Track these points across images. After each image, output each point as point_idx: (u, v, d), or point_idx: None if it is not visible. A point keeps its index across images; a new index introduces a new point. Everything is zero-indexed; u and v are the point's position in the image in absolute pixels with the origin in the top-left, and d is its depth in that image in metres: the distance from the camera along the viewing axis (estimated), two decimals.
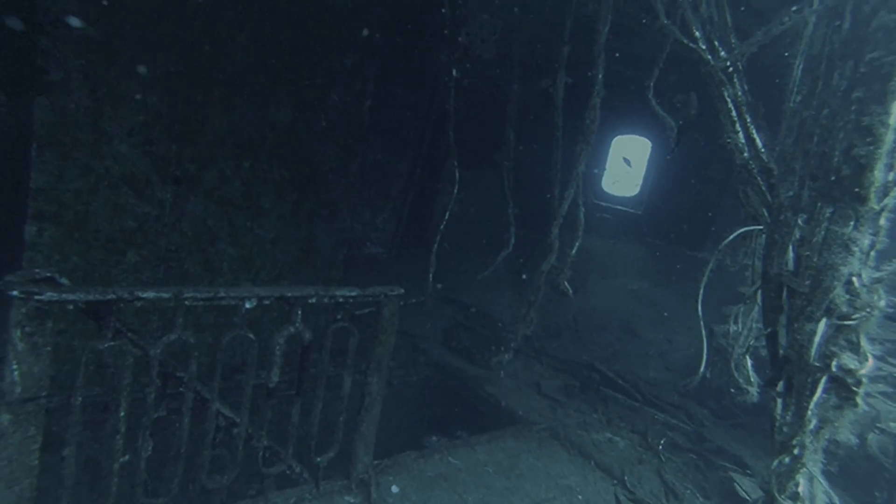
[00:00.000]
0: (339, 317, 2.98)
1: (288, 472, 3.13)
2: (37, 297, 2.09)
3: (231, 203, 4.24)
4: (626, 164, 6.85)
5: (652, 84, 2.60)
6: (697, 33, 2.04)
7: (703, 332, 2.68)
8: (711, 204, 6.02)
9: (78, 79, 3.41)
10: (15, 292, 2.06)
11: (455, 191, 4.36)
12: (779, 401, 1.84)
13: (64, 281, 2.50)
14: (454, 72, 3.87)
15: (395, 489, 3.35)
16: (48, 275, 2.43)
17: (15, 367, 2.14)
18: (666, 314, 6.38)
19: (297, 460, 3.11)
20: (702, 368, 2.69)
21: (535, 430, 4.43)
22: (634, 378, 5.40)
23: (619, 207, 7.46)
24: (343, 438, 3.14)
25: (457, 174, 4.31)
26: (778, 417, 1.82)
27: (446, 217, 4.49)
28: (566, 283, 3.46)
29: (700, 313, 2.67)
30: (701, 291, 2.61)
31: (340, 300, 2.92)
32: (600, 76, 2.75)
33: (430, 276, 4.60)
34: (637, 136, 7.16)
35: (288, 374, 3.15)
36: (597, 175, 7.39)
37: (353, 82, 4.48)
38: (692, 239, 6.30)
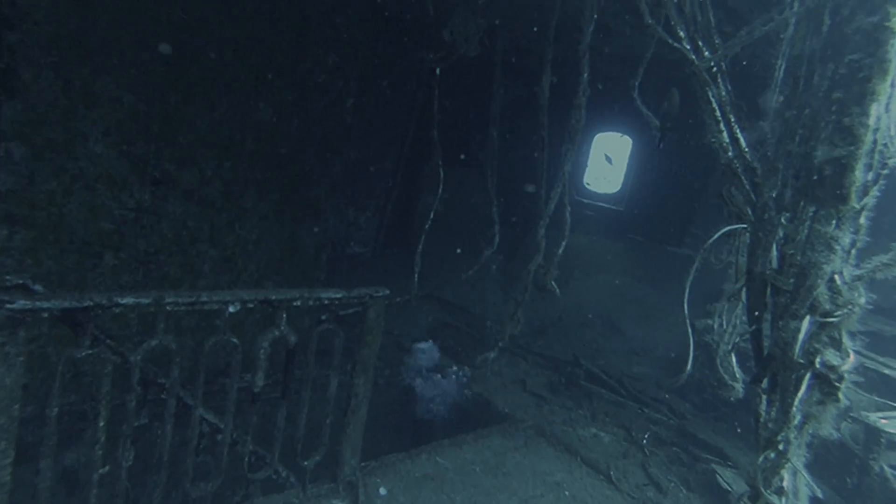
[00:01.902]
0: (323, 318, 2.94)
1: (274, 476, 3.08)
2: (8, 306, 2.01)
3: (212, 204, 4.15)
4: (608, 162, 6.91)
5: (637, 83, 2.61)
6: (682, 33, 2.05)
7: (690, 331, 2.71)
8: (691, 201, 6.11)
9: (49, 77, 3.29)
10: None
11: (440, 190, 4.34)
12: (763, 397, 1.87)
13: (38, 288, 2.41)
14: (437, 70, 3.84)
15: (382, 491, 3.33)
16: (20, 282, 2.34)
17: None
18: (648, 310, 6.46)
19: (283, 464, 3.07)
20: (688, 367, 2.73)
21: (522, 427, 4.45)
22: (618, 373, 5.46)
23: (601, 204, 7.52)
24: (329, 441, 3.11)
25: (441, 173, 4.28)
26: (762, 414, 1.85)
27: (431, 216, 4.47)
28: (553, 283, 3.47)
29: (686, 312, 2.71)
30: (687, 290, 2.64)
31: (326, 302, 2.88)
32: (585, 76, 2.74)
33: (416, 276, 4.58)
34: (619, 133, 7.24)
35: (272, 377, 3.10)
36: (579, 172, 7.44)
37: (336, 80, 4.43)
38: (673, 235, 6.40)
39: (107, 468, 2.44)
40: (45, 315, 2.13)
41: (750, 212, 1.96)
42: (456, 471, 3.69)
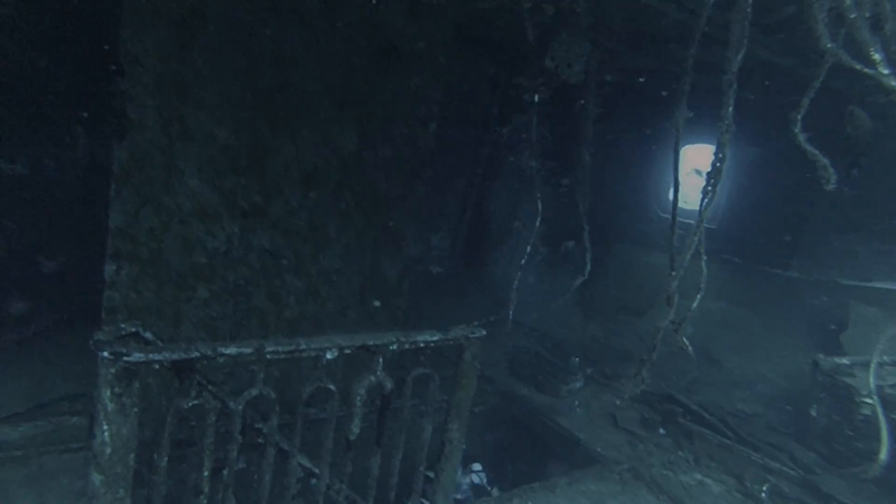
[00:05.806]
0: (417, 354, 2.79)
1: None
2: (125, 359, 2.01)
3: (297, 234, 4.16)
4: (698, 176, 6.40)
5: (800, 117, 2.24)
6: (877, 56, 1.67)
7: (880, 411, 2.29)
8: (801, 220, 5.51)
9: (152, 117, 3.39)
10: (105, 353, 1.99)
11: (538, 222, 4.12)
12: None
13: (148, 335, 2.43)
14: (536, 98, 3.64)
15: None
16: (133, 330, 2.36)
17: (105, 427, 2.07)
18: (748, 339, 5.88)
19: None
20: (882, 455, 2.32)
21: (618, 470, 4.12)
22: (720, 411, 4.97)
23: (690, 222, 6.97)
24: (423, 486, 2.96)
25: (539, 205, 4.07)
26: None
27: (528, 251, 4.26)
28: (685, 340, 3.15)
29: (873, 383, 2.31)
30: (874, 361, 2.25)
31: (421, 345, 2.74)
32: (730, 109, 2.43)
33: (510, 311, 4.37)
34: (711, 146, 6.67)
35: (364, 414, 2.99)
36: (666, 188, 6.96)
37: (419, 105, 4.34)
38: (777, 256, 5.80)
39: None
40: (157, 367, 2.13)
41: None
42: None
